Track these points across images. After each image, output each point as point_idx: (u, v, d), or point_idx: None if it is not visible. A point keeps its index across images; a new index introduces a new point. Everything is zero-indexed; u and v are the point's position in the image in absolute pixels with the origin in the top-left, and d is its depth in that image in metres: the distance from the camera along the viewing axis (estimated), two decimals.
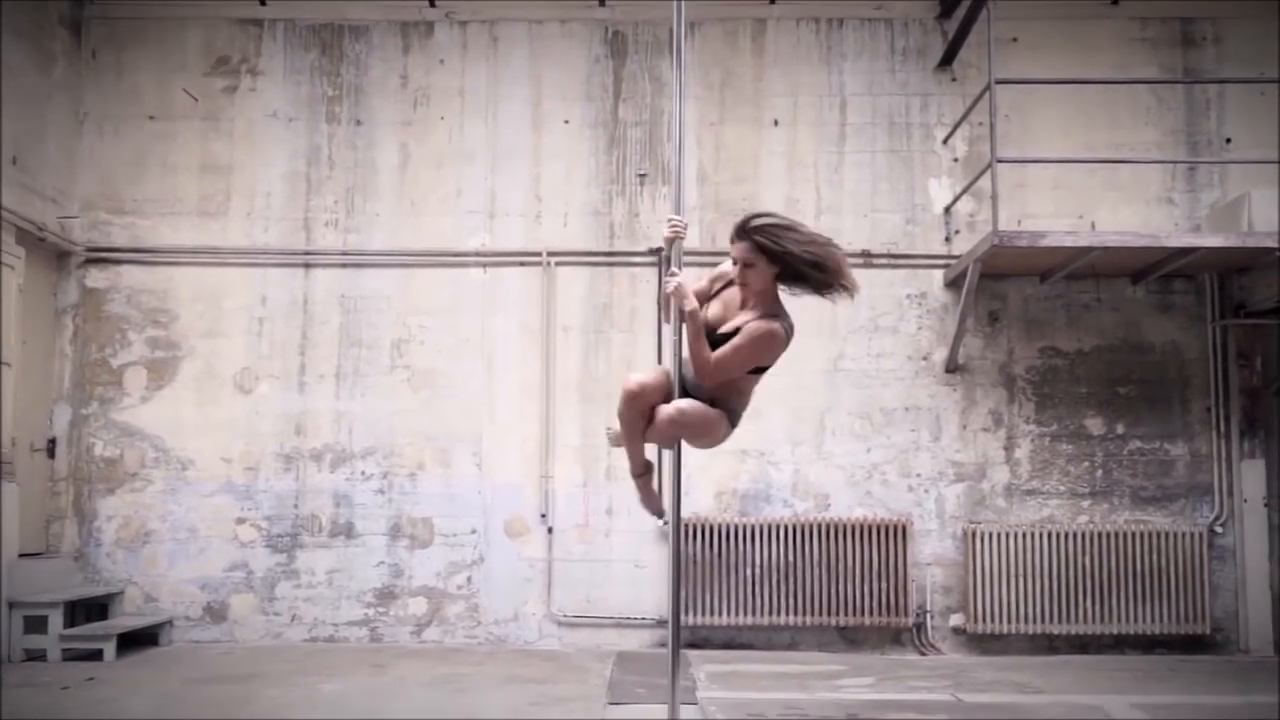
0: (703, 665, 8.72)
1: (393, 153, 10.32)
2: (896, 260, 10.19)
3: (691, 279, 5.02)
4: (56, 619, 8.90)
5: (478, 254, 10.23)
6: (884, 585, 9.68)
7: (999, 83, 9.05)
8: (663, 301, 5.14)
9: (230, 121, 10.36)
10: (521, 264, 10.21)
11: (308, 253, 10.24)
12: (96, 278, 10.22)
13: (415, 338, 10.15)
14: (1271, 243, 8.83)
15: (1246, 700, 7.48)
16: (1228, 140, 10.22)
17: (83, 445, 10.08)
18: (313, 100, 10.37)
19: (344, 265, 10.23)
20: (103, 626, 9.25)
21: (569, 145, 10.33)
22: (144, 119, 10.32)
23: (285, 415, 10.11)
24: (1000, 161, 9.02)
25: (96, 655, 8.84)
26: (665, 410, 4.93)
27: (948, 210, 10.20)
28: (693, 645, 9.56)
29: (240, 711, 6.81)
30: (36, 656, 8.84)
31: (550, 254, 10.18)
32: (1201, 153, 10.21)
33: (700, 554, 9.66)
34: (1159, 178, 10.23)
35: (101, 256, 10.23)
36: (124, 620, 9.57)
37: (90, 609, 9.64)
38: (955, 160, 10.23)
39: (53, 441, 10.01)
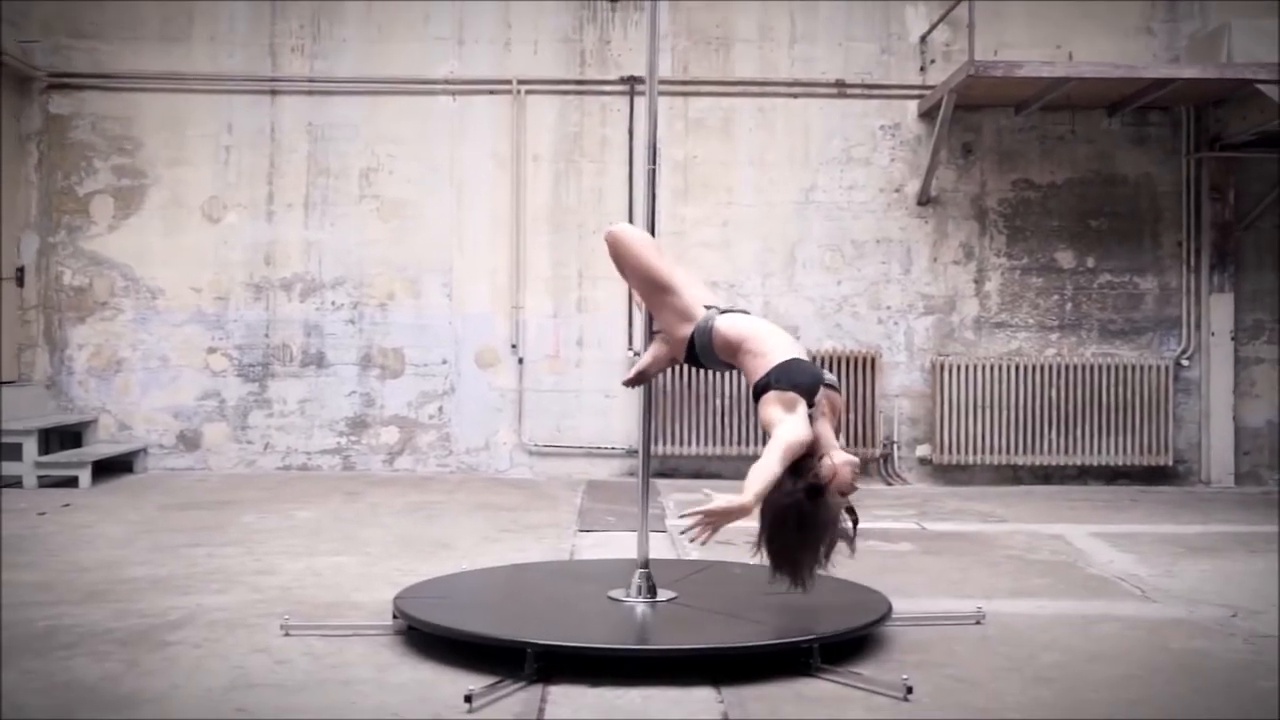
0: (671, 494, 8.85)
1: None
2: (870, 90, 10.06)
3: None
4: (31, 446, 8.94)
5: (446, 82, 10.04)
6: (852, 416, 9.78)
7: None
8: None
9: None
10: (491, 92, 10.04)
11: (273, 79, 10.03)
12: (60, 104, 10.01)
13: (384, 167, 10.02)
14: (1250, 74, 8.75)
15: (1204, 529, 7.64)
16: None
17: (51, 274, 10.00)
18: None
19: (310, 92, 10.04)
20: (77, 454, 9.30)
21: None
22: None
23: (254, 244, 10.03)
24: None
25: (72, 482, 8.90)
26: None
27: (923, 39, 10.03)
28: (662, 474, 9.68)
29: (217, 535, 6.90)
30: (12, 483, 8.90)
31: (520, 82, 10.00)
32: None
33: (670, 385, 9.71)
34: (1138, 7, 10.07)
35: (64, 82, 9.99)
36: (98, 448, 9.63)
37: (64, 437, 9.68)
38: None
39: (21, 270, 9.92)
